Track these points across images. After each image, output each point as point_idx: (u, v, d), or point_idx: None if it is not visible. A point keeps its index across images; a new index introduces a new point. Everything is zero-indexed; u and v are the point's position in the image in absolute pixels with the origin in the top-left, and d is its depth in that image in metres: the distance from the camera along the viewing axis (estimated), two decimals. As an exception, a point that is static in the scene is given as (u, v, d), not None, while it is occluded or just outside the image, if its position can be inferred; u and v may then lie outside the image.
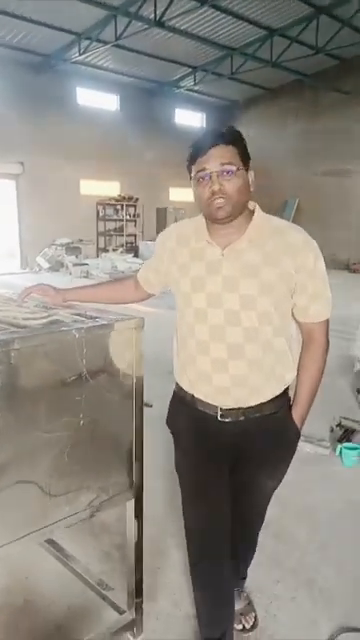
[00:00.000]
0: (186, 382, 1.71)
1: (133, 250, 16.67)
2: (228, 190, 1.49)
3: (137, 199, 16.88)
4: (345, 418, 3.96)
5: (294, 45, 13.42)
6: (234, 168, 1.48)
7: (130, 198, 16.93)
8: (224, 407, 1.63)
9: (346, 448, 3.44)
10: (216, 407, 1.63)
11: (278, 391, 1.66)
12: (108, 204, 16.91)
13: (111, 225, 17.28)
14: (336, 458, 3.49)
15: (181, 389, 1.74)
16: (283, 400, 1.70)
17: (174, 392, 1.80)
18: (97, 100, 16.40)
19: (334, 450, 3.54)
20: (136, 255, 15.97)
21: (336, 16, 12.39)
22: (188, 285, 1.62)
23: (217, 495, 1.74)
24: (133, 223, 17.33)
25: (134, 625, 1.96)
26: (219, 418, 1.63)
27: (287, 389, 1.71)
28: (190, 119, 18.94)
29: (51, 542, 2.39)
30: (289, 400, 1.74)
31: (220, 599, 1.83)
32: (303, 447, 3.59)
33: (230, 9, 12.07)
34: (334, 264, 15.60)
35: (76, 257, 14.83)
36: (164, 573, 2.38)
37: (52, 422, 1.51)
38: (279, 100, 17.63)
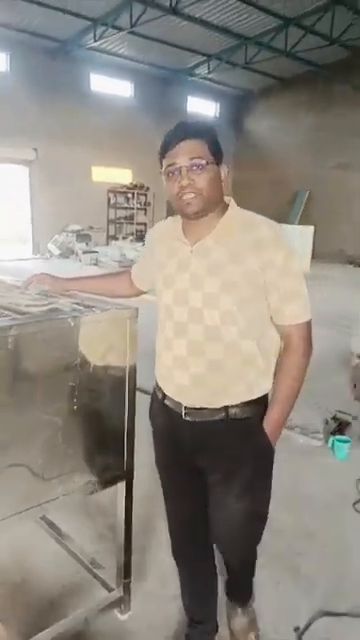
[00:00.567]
0: (158, 377, 1.71)
1: (142, 239, 16.70)
2: (198, 184, 1.45)
3: (148, 188, 16.91)
4: (340, 411, 4.03)
5: (308, 35, 13.33)
6: (203, 162, 1.45)
7: (141, 186, 16.96)
8: (189, 406, 1.59)
9: (338, 441, 3.50)
10: (181, 405, 1.60)
11: (249, 397, 1.57)
12: (119, 192, 16.97)
13: (122, 213, 17.34)
14: (328, 450, 3.55)
15: (156, 383, 1.73)
16: (258, 407, 1.60)
17: (153, 387, 1.77)
18: (111, 87, 16.40)
19: (327, 442, 3.61)
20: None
21: (353, 7, 12.24)
22: (161, 282, 1.62)
23: (183, 498, 1.79)
24: (143, 212, 17.38)
25: (122, 602, 2.06)
26: (184, 417, 1.60)
27: (265, 397, 1.62)
28: (203, 107, 18.86)
29: (50, 524, 2.50)
30: (266, 409, 1.63)
31: (196, 587, 1.92)
32: (297, 439, 3.67)
33: (246, -3, 11.97)
34: (341, 258, 15.57)
35: (86, 244, 14.92)
36: (154, 552, 2.47)
37: (47, 406, 1.59)
38: (292, 91, 17.52)
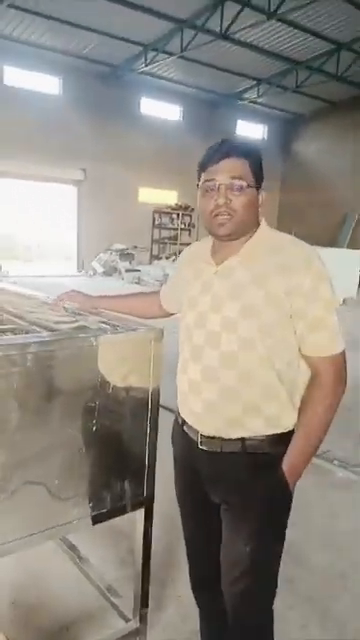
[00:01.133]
0: (178, 401, 1.63)
1: (185, 259, 16.78)
2: (234, 205, 1.39)
3: (193, 209, 17.03)
4: (383, 444, 3.83)
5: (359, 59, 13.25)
6: (244, 184, 1.38)
7: (186, 207, 17.10)
8: (204, 434, 1.50)
9: (379, 476, 3.32)
10: (197, 432, 1.51)
11: (269, 431, 1.44)
12: (164, 212, 17.16)
13: (166, 233, 17.51)
14: (368, 486, 3.37)
15: (177, 407, 1.64)
16: (280, 444, 1.45)
17: (176, 409, 1.68)
18: (160, 110, 16.75)
19: (367, 477, 3.42)
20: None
21: None
22: (185, 304, 1.57)
23: (196, 528, 1.71)
24: (187, 232, 17.48)
25: (138, 634, 1.97)
26: (199, 445, 1.51)
27: (290, 434, 1.47)
28: (251, 130, 18.96)
29: (71, 546, 2.46)
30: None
31: (209, 623, 1.82)
32: (336, 472, 3.50)
33: (297, 22, 12.03)
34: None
35: (129, 263, 15.10)
36: (177, 585, 2.37)
37: (66, 426, 1.55)
38: (341, 114, 17.43)
